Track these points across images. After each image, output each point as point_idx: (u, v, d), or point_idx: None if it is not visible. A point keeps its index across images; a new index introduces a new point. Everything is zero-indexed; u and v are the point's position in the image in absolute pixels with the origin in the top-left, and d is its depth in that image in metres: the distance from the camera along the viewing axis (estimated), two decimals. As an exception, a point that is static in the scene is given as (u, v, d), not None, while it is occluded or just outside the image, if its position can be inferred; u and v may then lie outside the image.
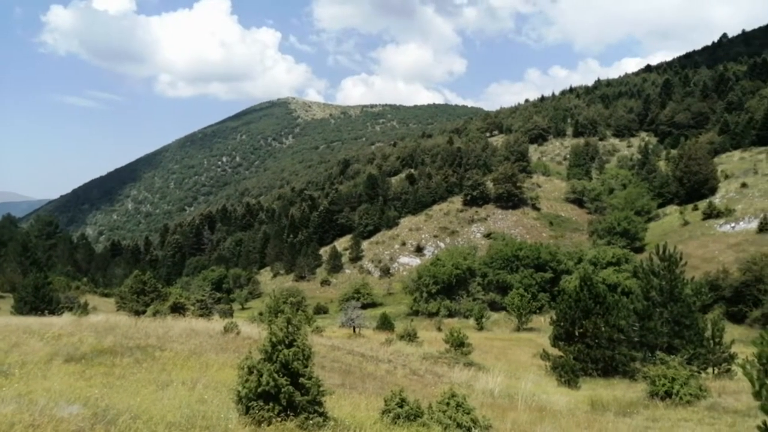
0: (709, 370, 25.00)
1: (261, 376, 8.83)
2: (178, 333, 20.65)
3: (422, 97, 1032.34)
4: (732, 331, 34.95)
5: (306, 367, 9.15)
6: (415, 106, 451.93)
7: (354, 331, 43.37)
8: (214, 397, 10.40)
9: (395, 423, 10.25)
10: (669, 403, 18.41)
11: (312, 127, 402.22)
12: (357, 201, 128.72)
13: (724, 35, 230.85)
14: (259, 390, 8.75)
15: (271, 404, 8.76)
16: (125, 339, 17.52)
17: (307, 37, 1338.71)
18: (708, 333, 25.61)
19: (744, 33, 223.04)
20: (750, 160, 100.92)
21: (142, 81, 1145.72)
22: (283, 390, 8.72)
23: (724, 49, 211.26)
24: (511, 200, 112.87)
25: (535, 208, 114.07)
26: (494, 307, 70.04)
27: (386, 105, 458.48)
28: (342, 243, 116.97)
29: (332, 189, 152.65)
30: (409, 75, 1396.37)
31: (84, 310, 37.37)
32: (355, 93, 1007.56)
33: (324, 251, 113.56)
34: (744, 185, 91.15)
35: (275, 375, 8.77)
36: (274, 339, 9.20)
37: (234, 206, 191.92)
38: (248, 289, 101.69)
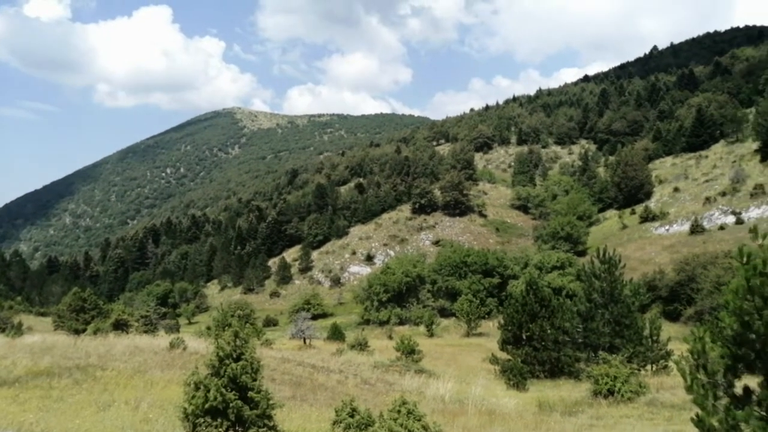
0: (648, 367, 26.07)
1: (208, 391, 8.68)
2: (121, 351, 19.97)
3: (369, 106, 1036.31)
4: (668, 329, 36.49)
5: (255, 380, 9.04)
6: (363, 116, 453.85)
7: (304, 342, 42.96)
8: (160, 416, 10.13)
9: (346, 433, 10.24)
10: (612, 401, 19.10)
11: (259, 137, 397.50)
12: (306, 211, 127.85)
13: (655, 47, 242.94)
14: (207, 406, 8.59)
15: (219, 420, 8.62)
16: (63, 359, 16.82)
17: (252, 46, 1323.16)
18: (646, 332, 26.71)
19: (672, 45, 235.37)
20: (681, 166, 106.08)
21: (79, 91, 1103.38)
22: (231, 405, 8.59)
23: (655, 60, 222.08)
24: (459, 207, 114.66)
25: (481, 215, 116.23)
26: (444, 313, 70.77)
27: (334, 114, 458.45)
28: (291, 254, 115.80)
29: (280, 199, 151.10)
30: (355, 84, 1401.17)
31: (18, 330, 35.56)
32: (301, 102, 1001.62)
33: (273, 262, 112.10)
34: (676, 189, 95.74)
35: (223, 390, 8.64)
36: (221, 353, 9.06)
37: (179, 218, 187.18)
38: (195, 303, 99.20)
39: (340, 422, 10.45)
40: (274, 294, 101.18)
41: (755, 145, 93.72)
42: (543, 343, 26.78)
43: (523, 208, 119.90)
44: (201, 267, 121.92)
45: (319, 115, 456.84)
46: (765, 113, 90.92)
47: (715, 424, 6.84)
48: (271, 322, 78.21)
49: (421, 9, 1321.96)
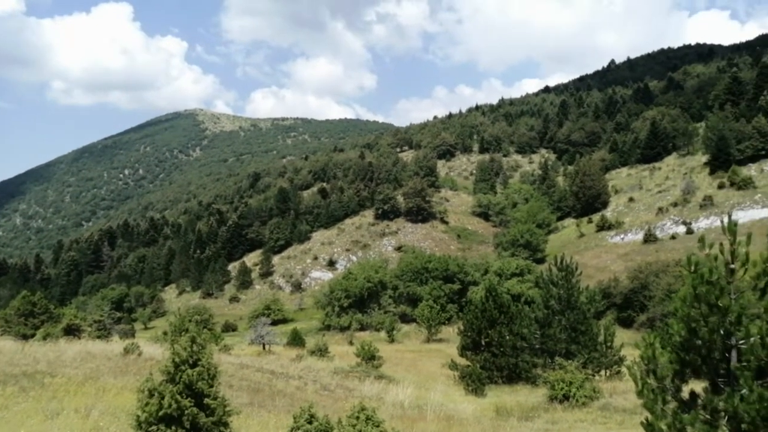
0: (602, 372, 26.71)
1: (163, 398, 8.49)
2: (72, 357, 19.34)
3: (333, 111, 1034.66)
4: (622, 335, 37.52)
5: (212, 386, 8.90)
6: (327, 120, 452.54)
7: (264, 348, 42.44)
8: (111, 424, 9.86)
9: (304, 440, 10.15)
10: (567, 406, 19.49)
11: (221, 140, 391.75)
12: (267, 215, 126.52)
13: (613, 61, 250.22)
14: (161, 413, 8.41)
15: (173, 428, 8.44)
16: (9, 366, 16.19)
17: (215, 47, 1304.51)
18: (601, 338, 27.38)
19: (629, 60, 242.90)
20: (636, 177, 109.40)
21: (33, 87, 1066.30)
22: (186, 412, 8.43)
23: (612, 73, 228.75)
24: (421, 214, 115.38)
25: (443, 221, 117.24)
26: (405, 319, 70.96)
27: (298, 118, 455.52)
28: (252, 258, 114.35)
29: (242, 203, 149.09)
30: (320, 89, 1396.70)
31: (-38, 335, 34.04)
32: (265, 105, 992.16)
33: (233, 267, 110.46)
34: (631, 199, 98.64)
35: (178, 397, 8.47)
36: (177, 359, 8.88)
37: (137, 221, 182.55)
38: (152, 308, 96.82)
39: (298, 429, 10.36)
40: (234, 299, 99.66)
41: (705, 158, 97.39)
42: (501, 349, 27.14)
43: (484, 216, 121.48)
44: (159, 271, 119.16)
45: (283, 119, 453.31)
46: (714, 128, 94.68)
47: (664, 427, 7.08)
48: (230, 328, 77.00)
49: (386, 16, 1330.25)
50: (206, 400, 8.68)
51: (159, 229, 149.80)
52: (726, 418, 6.59)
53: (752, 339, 6.44)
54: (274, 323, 65.93)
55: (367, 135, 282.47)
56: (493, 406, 19.83)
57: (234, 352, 36.21)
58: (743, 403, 6.15)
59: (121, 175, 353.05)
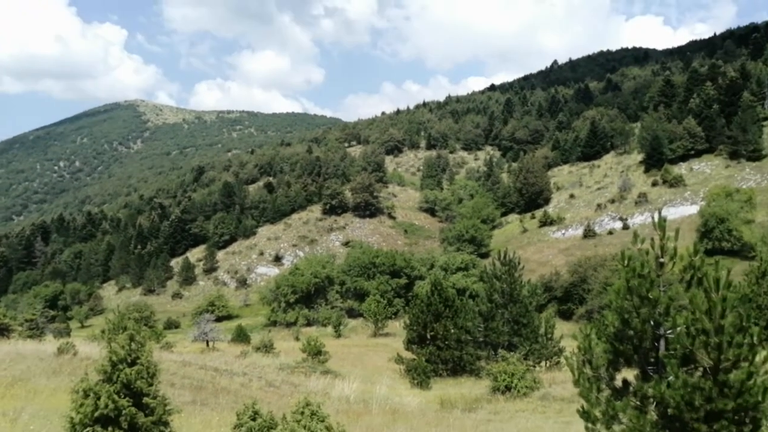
0: (543, 363, 27.57)
1: (99, 398, 8.20)
2: (0, 358, 18.41)
3: (280, 105, 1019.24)
4: (562, 327, 38.75)
5: (151, 385, 8.67)
6: (274, 114, 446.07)
7: (208, 345, 41.62)
8: (43, 427, 9.46)
9: (248, 437, 10.03)
10: (509, 397, 20.03)
11: (163, 132, 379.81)
12: (212, 209, 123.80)
13: (555, 62, 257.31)
14: (97, 414, 8.12)
15: (110, 429, 8.17)
16: (-68, 368, 15.27)
17: (157, 37, 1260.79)
18: (542, 330, 28.24)
19: (571, 61, 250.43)
20: (576, 174, 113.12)
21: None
22: (124, 412, 8.18)
23: (555, 74, 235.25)
24: (369, 209, 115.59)
25: (391, 216, 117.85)
26: (352, 314, 71.06)
27: (243, 111, 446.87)
28: (195, 254, 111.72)
29: (185, 197, 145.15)
30: (266, 82, 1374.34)
31: None
32: (210, 98, 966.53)
33: (176, 263, 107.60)
34: (572, 196, 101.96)
35: (115, 396, 8.20)
36: (114, 358, 8.60)
37: (73, 215, 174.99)
38: (89, 306, 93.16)
39: (242, 426, 10.23)
40: (177, 295, 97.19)
41: (640, 157, 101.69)
42: (446, 343, 27.57)
43: (431, 211, 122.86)
44: (96, 267, 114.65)
45: (229, 112, 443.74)
46: (648, 128, 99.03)
47: (598, 414, 7.40)
48: (172, 325, 75.18)
49: (334, 10, 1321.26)
50: (145, 400, 8.45)
51: (97, 224, 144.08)
52: (654, 403, 6.95)
53: (678, 329, 6.81)
54: (219, 320, 64.80)
55: (315, 129, 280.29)
56: (437, 399, 20.15)
57: (176, 349, 35.36)
58: (669, 389, 6.49)
59: (56, 168, 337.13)
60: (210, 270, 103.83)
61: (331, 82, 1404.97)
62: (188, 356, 27.19)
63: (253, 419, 10.34)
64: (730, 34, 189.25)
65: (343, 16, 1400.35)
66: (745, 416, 6.28)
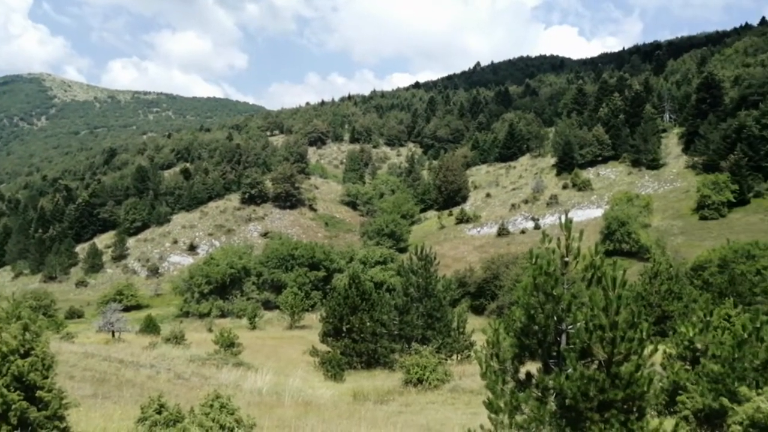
0: (454, 356, 28.38)
1: (-15, 392, 7.63)
2: None
3: (201, 89, 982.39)
4: (474, 322, 40.04)
5: (46, 378, 8.15)
6: (194, 98, 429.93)
7: (113, 335, 39.68)
8: None
9: (152, 431, 9.67)
10: (420, 389, 20.48)
11: (72, 110, 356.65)
12: (123, 194, 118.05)
13: (478, 64, 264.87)
14: (-18, 409, 7.55)
15: (-2, 424, 7.63)
16: None
17: (66, 7, 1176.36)
18: (454, 324, 29.04)
19: (493, 64, 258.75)
20: (494, 174, 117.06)
21: None
22: (14, 407, 7.64)
23: (477, 75, 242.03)
24: (289, 200, 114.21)
25: (312, 208, 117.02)
26: (268, 306, 70.08)
27: (162, 93, 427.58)
28: (104, 240, 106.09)
29: (94, 180, 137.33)
30: (186, 64, 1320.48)
31: None
32: (124, 76, 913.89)
33: (81, 249, 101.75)
34: (488, 195, 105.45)
35: (4, 390, 7.65)
36: (5, 348, 8.02)
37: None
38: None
39: (146, 419, 9.84)
40: (81, 283, 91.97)
41: (553, 160, 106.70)
42: (362, 335, 27.78)
43: (352, 205, 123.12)
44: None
45: (145, 93, 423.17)
46: (561, 133, 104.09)
47: (502, 405, 7.71)
48: (75, 314, 71.19)
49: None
50: (39, 393, 7.95)
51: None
52: (554, 394, 7.34)
53: (578, 324, 7.22)
54: (127, 309, 61.87)
55: (237, 116, 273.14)
56: (351, 391, 20.28)
57: (78, 340, 33.49)
58: (568, 381, 6.88)
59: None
60: (119, 257, 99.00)
61: (254, 68, 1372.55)
62: (91, 347, 25.80)
63: (159, 412, 9.97)
64: (636, 50, 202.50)
65: (268, 2, 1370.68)
66: (632, 405, 6.76)
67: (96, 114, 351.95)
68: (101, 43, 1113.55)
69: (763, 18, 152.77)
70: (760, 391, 9.08)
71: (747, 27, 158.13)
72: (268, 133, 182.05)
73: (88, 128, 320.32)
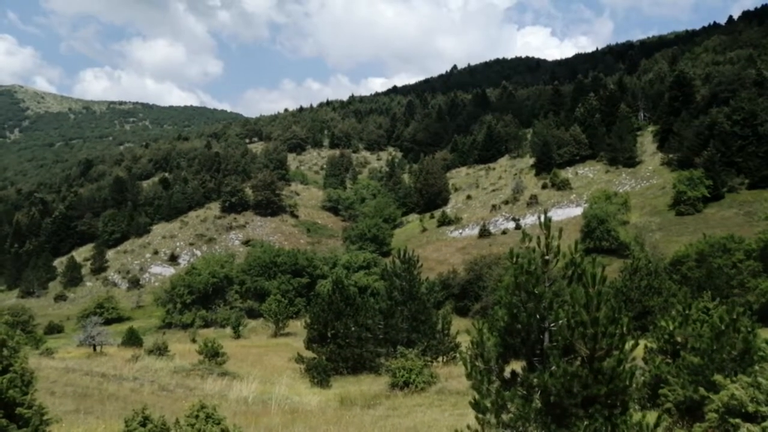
0: (440, 358, 28.44)
1: (-36, 411, 7.49)
2: None
3: (176, 97, 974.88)
4: (458, 323, 40.17)
5: (26, 394, 8.03)
6: (171, 107, 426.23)
7: (95, 349, 39.03)
8: None
9: (137, 444, 9.55)
10: (407, 392, 20.50)
11: (46, 122, 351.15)
12: (101, 206, 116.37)
13: (455, 67, 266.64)
14: (-38, 428, 7.41)
15: (-22, 443, 7.49)
16: None
17: (32, 17, 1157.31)
18: (439, 326, 29.11)
19: (470, 66, 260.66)
20: (473, 176, 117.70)
21: None
22: (-6, 424, 7.52)
23: (455, 78, 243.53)
24: (270, 207, 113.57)
25: (293, 215, 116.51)
26: (252, 314, 69.55)
27: (138, 103, 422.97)
28: (82, 253, 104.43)
29: (71, 192, 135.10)
30: (160, 73, 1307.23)
31: None
32: (97, 86, 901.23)
33: (59, 262, 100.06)
34: (469, 197, 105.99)
35: (-16, 408, 7.53)
36: (-17, 366, 7.89)
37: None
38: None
39: (130, 433, 9.71)
40: (60, 297, 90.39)
41: (531, 161, 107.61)
42: (347, 340, 27.73)
43: (334, 210, 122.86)
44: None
45: (121, 103, 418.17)
46: (539, 134, 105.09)
47: (488, 405, 7.77)
48: (54, 329, 69.96)
49: (231, 2, 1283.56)
50: (19, 410, 7.83)
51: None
52: (539, 392, 7.41)
53: (561, 321, 7.31)
54: (108, 322, 61.00)
55: (215, 124, 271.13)
56: (337, 397, 20.22)
57: (59, 355, 32.90)
58: (552, 378, 6.96)
59: None
60: (99, 270, 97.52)
61: (229, 75, 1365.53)
62: (72, 362, 25.40)
63: (143, 425, 9.85)
64: (609, 50, 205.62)
65: (240, 9, 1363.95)
66: (616, 400, 6.87)
67: (71, 125, 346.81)
68: (71, 53, 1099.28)
69: (731, 17, 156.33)
70: (734, 378, 9.28)
71: (715, 26, 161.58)
72: (247, 141, 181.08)
73: (63, 140, 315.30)
